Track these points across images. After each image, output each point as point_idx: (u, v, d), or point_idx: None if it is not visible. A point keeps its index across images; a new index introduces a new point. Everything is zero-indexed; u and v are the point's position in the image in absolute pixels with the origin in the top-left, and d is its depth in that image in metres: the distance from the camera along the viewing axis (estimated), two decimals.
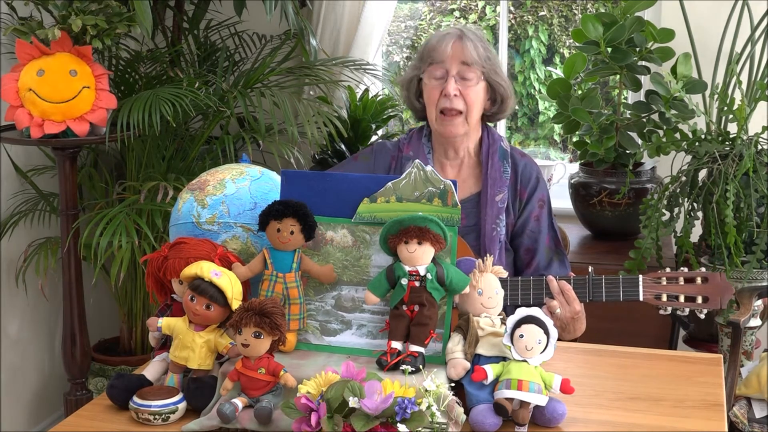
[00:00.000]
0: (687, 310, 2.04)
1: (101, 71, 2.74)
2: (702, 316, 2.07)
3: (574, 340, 2.16)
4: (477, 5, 5.44)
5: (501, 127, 3.90)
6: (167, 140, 3.17)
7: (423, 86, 2.33)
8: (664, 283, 2.06)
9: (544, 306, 2.06)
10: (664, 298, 2.05)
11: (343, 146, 3.36)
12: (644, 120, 3.13)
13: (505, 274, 1.79)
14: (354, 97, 3.45)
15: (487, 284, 1.74)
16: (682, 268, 2.11)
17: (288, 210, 1.74)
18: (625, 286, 2.07)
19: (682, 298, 2.04)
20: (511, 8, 5.28)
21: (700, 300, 2.03)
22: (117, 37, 2.89)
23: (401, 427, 1.48)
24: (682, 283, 2.05)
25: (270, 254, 1.76)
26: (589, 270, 2.11)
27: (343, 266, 1.80)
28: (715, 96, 3.01)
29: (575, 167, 3.38)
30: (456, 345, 1.71)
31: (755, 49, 3.04)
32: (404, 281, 1.70)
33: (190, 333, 1.72)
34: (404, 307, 1.70)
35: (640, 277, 2.06)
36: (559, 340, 2.07)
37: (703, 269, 2.21)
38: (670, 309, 2.07)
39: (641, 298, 2.06)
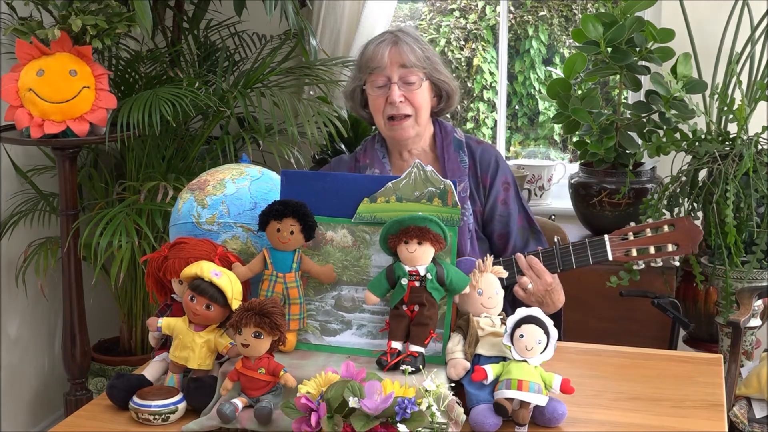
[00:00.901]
0: (660, 260, 2.01)
1: (101, 71, 2.74)
2: (676, 264, 2.03)
3: (559, 329, 2.15)
4: (477, 5, 5.44)
5: (501, 128, 3.90)
6: (167, 140, 3.17)
7: (367, 95, 2.32)
8: (632, 238, 2.02)
9: (517, 284, 2.06)
10: (634, 253, 2.01)
11: (343, 146, 3.36)
12: (644, 120, 3.13)
13: (505, 274, 1.79)
14: None
15: (487, 284, 1.74)
16: (647, 220, 2.07)
17: (288, 210, 1.74)
18: (593, 248, 2.05)
19: (652, 250, 2.01)
20: (511, 8, 5.28)
21: (671, 248, 2.00)
22: (117, 37, 2.88)
23: (401, 427, 1.48)
24: (650, 234, 2.01)
25: (270, 254, 1.76)
26: (555, 240, 2.10)
27: (343, 266, 1.80)
28: (715, 96, 3.01)
29: (575, 167, 3.38)
30: (456, 345, 1.71)
31: (755, 49, 3.03)
32: (404, 281, 1.70)
33: (190, 333, 1.72)
34: (404, 307, 1.70)
35: (606, 236, 2.04)
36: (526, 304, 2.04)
37: (668, 216, 2.13)
38: (642, 264, 2.03)
39: (610, 257, 2.02)
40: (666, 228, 2.01)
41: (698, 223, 2.86)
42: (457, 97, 2.37)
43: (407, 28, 2.34)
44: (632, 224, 2.06)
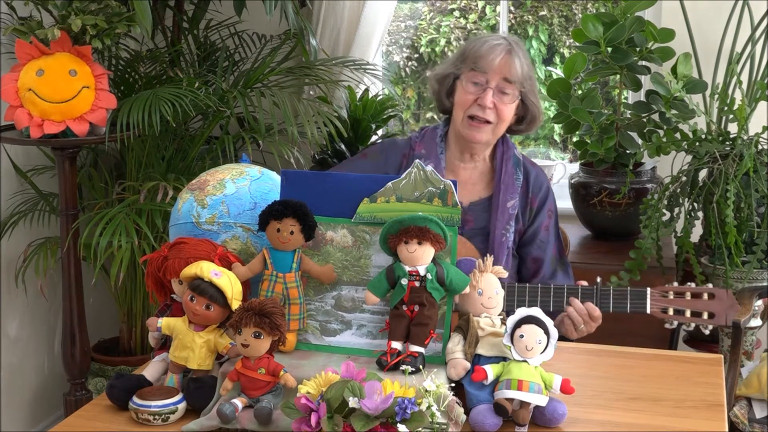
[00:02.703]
0: (692, 324, 2.05)
1: (101, 71, 2.74)
2: (707, 332, 2.08)
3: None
4: (477, 5, 5.44)
5: None
6: (167, 140, 3.17)
7: (457, 85, 2.31)
8: (671, 297, 2.06)
9: (565, 317, 2.08)
10: (671, 312, 2.06)
11: (343, 146, 3.36)
12: (644, 120, 3.13)
13: (505, 274, 1.79)
14: (354, 97, 3.45)
15: (487, 284, 1.74)
16: (689, 284, 2.11)
17: (288, 210, 1.73)
18: (633, 298, 2.08)
19: (688, 313, 2.05)
20: (511, 8, 5.27)
21: (705, 316, 2.04)
22: (117, 37, 2.88)
23: (401, 427, 1.48)
24: (689, 298, 2.05)
25: (270, 254, 1.76)
26: (597, 280, 2.12)
27: (343, 266, 1.80)
28: (716, 96, 3.01)
29: (575, 167, 3.38)
30: (456, 345, 1.71)
31: (755, 49, 3.03)
32: (404, 281, 1.70)
33: (190, 333, 1.72)
34: (404, 307, 1.70)
35: (648, 290, 2.07)
36: (569, 339, 2.08)
37: (710, 285, 2.21)
38: (675, 323, 2.08)
39: (648, 311, 2.06)
40: (706, 296, 2.05)
41: (698, 223, 2.87)
42: (539, 124, 2.38)
43: (519, 41, 2.32)
44: (675, 284, 2.09)
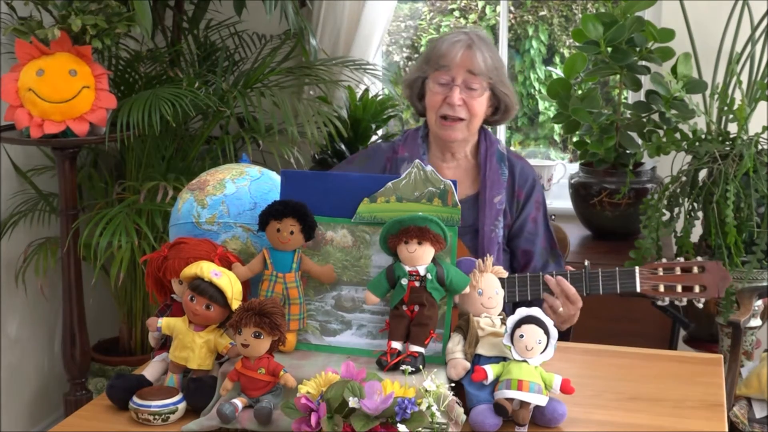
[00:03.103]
0: (684, 299, 2.03)
1: (101, 71, 2.74)
2: (700, 306, 2.05)
3: (567, 331, 2.16)
4: (477, 5, 5.44)
5: (501, 128, 3.89)
6: (167, 140, 3.17)
7: (426, 88, 2.31)
8: (661, 273, 2.03)
9: (544, 303, 2.06)
10: (662, 288, 2.03)
11: (343, 146, 3.36)
12: (644, 120, 3.13)
13: (505, 274, 1.79)
14: (354, 97, 3.45)
15: (487, 284, 1.74)
16: (678, 258, 2.09)
17: (288, 210, 1.73)
18: (622, 278, 2.05)
19: (679, 288, 2.02)
20: (511, 8, 5.27)
21: (697, 289, 2.01)
22: (117, 37, 2.88)
23: (401, 427, 1.48)
24: (679, 273, 2.03)
25: (270, 254, 1.76)
26: (585, 264, 2.10)
27: (343, 266, 1.80)
28: (716, 96, 3.01)
29: (575, 167, 3.38)
30: (456, 345, 1.71)
31: (755, 49, 3.03)
32: (404, 281, 1.70)
33: (190, 333, 1.72)
34: (404, 307, 1.70)
35: (637, 268, 2.04)
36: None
37: (700, 258, 2.18)
38: (667, 300, 2.04)
39: (638, 290, 2.04)
40: (696, 269, 2.02)
41: (698, 223, 2.87)
42: (515, 112, 2.37)
43: (482, 32, 2.32)
44: (664, 260, 2.07)
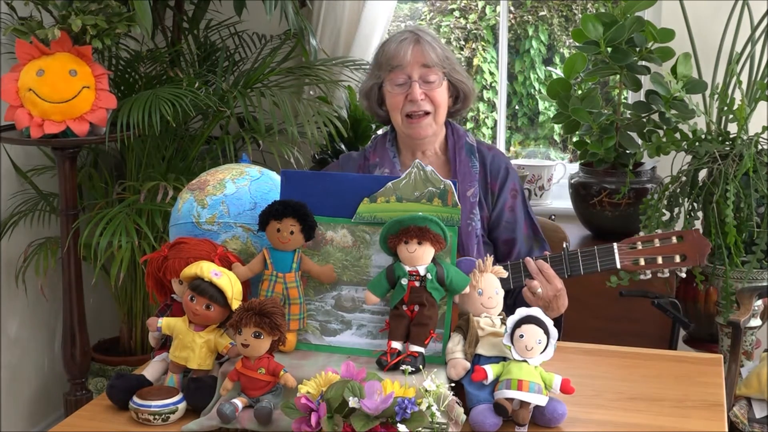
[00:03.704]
0: (666, 270, 2.02)
1: (101, 71, 2.74)
2: (683, 275, 2.04)
3: (559, 325, 2.15)
4: (477, 5, 5.44)
5: (501, 128, 3.90)
6: (167, 140, 3.17)
7: (384, 93, 2.31)
8: (640, 247, 2.03)
9: (525, 287, 2.06)
10: (642, 262, 2.02)
11: (343, 146, 3.36)
12: (644, 120, 3.13)
13: (505, 274, 1.79)
14: (354, 97, 3.45)
15: (487, 284, 1.74)
16: (656, 230, 2.08)
17: (288, 210, 1.74)
18: (601, 255, 2.05)
19: (660, 260, 2.02)
20: (511, 8, 5.28)
21: (678, 259, 2.00)
22: (117, 37, 2.88)
23: (401, 427, 1.48)
24: (658, 244, 2.02)
25: (270, 254, 1.76)
26: (564, 245, 2.10)
27: (343, 266, 1.80)
28: (715, 96, 3.01)
29: (575, 167, 3.37)
30: (456, 345, 1.71)
31: (755, 49, 3.03)
32: (404, 281, 1.70)
33: (190, 333, 1.72)
34: (404, 307, 1.70)
35: (615, 244, 2.04)
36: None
37: (676, 228, 2.15)
38: (649, 273, 2.03)
39: (618, 266, 2.03)
40: (674, 239, 2.02)
41: (698, 223, 2.87)
42: (473, 98, 2.38)
43: (425, 27, 2.33)
44: (641, 233, 2.06)
